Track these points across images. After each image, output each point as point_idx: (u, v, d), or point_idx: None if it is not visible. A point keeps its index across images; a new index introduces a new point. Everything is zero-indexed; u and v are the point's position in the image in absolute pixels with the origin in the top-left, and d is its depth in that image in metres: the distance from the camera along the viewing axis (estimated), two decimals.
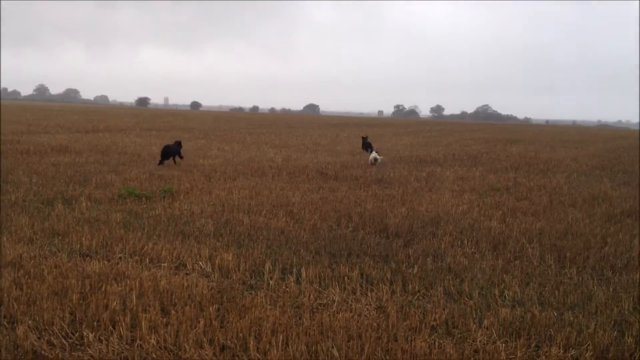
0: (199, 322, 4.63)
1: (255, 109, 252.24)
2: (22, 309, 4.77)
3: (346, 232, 7.88)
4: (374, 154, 17.12)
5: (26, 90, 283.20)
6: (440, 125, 66.34)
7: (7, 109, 65.64)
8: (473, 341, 4.59)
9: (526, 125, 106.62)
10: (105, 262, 6.15)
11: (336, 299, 5.32)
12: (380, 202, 10.29)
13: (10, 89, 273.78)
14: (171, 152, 15.67)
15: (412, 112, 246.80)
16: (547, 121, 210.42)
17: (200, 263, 6.21)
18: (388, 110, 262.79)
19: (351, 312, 5.06)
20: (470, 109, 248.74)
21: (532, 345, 4.58)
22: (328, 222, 8.44)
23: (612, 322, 5.00)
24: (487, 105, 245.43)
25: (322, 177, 13.46)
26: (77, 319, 4.69)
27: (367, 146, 20.63)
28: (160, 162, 15.19)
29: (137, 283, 5.42)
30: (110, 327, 4.54)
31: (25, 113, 51.25)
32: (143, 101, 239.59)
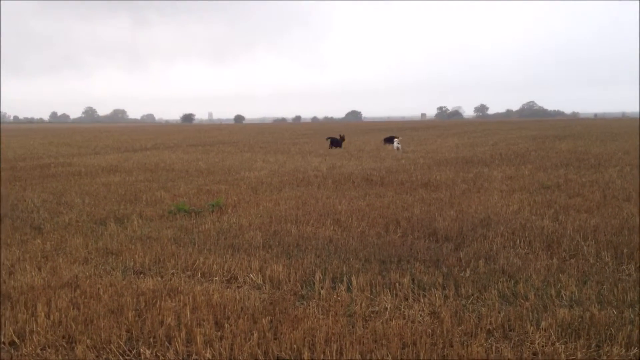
0: (253, 334, 4.65)
1: (297, 118, 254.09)
2: (80, 328, 4.87)
3: (395, 237, 7.81)
4: (396, 143, 24.16)
5: (75, 113, 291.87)
6: (485, 125, 65.53)
7: (57, 131, 67.74)
8: (531, 344, 4.49)
9: (574, 120, 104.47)
10: (159, 279, 6.24)
11: (388, 306, 5.28)
12: (428, 205, 10.19)
13: (59, 113, 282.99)
14: (337, 142, 26.71)
15: (456, 113, 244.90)
16: (595, 114, 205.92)
17: (251, 275, 6.24)
18: (431, 112, 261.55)
19: (404, 319, 5.01)
20: (515, 107, 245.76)
21: (593, 345, 4.45)
22: (376, 228, 8.39)
23: None
24: (532, 101, 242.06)
25: (367, 183, 13.42)
26: (134, 336, 4.76)
27: (389, 140, 28.26)
28: (330, 147, 26.22)
29: (190, 298, 5.48)
30: (166, 343, 4.60)
31: (75, 135, 52.74)
32: (188, 117, 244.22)
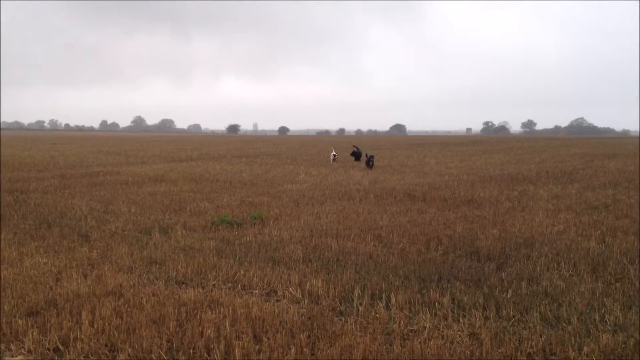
0: (291, 349, 4.68)
1: (341, 131, 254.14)
2: (122, 337, 4.98)
3: (436, 255, 7.76)
4: (332, 155, 27.82)
5: (124, 121, 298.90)
6: (532, 141, 64.43)
7: (107, 140, 69.35)
8: None
9: (624, 138, 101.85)
10: (200, 290, 6.33)
11: (427, 326, 5.24)
12: (471, 223, 10.09)
13: (109, 121, 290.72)
14: (363, 157, 26.23)
15: (502, 128, 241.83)
16: None
17: (291, 289, 6.28)
18: (477, 127, 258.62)
19: (443, 339, 4.97)
20: (564, 123, 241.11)
21: None
22: (417, 245, 8.35)
23: None
24: (582, 118, 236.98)
25: (409, 199, 13.35)
26: (174, 346, 4.84)
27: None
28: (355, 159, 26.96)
29: (230, 310, 5.55)
30: (206, 355, 4.67)
31: (124, 145, 53.86)
32: (233, 128, 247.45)
